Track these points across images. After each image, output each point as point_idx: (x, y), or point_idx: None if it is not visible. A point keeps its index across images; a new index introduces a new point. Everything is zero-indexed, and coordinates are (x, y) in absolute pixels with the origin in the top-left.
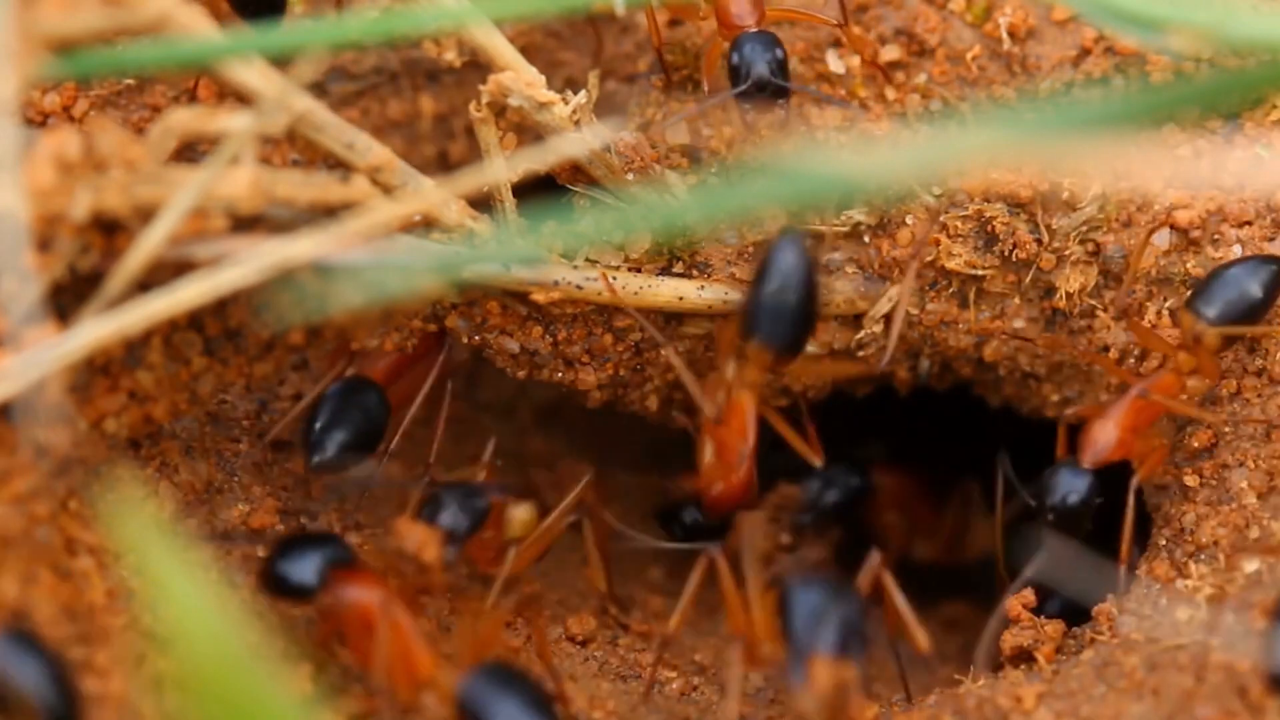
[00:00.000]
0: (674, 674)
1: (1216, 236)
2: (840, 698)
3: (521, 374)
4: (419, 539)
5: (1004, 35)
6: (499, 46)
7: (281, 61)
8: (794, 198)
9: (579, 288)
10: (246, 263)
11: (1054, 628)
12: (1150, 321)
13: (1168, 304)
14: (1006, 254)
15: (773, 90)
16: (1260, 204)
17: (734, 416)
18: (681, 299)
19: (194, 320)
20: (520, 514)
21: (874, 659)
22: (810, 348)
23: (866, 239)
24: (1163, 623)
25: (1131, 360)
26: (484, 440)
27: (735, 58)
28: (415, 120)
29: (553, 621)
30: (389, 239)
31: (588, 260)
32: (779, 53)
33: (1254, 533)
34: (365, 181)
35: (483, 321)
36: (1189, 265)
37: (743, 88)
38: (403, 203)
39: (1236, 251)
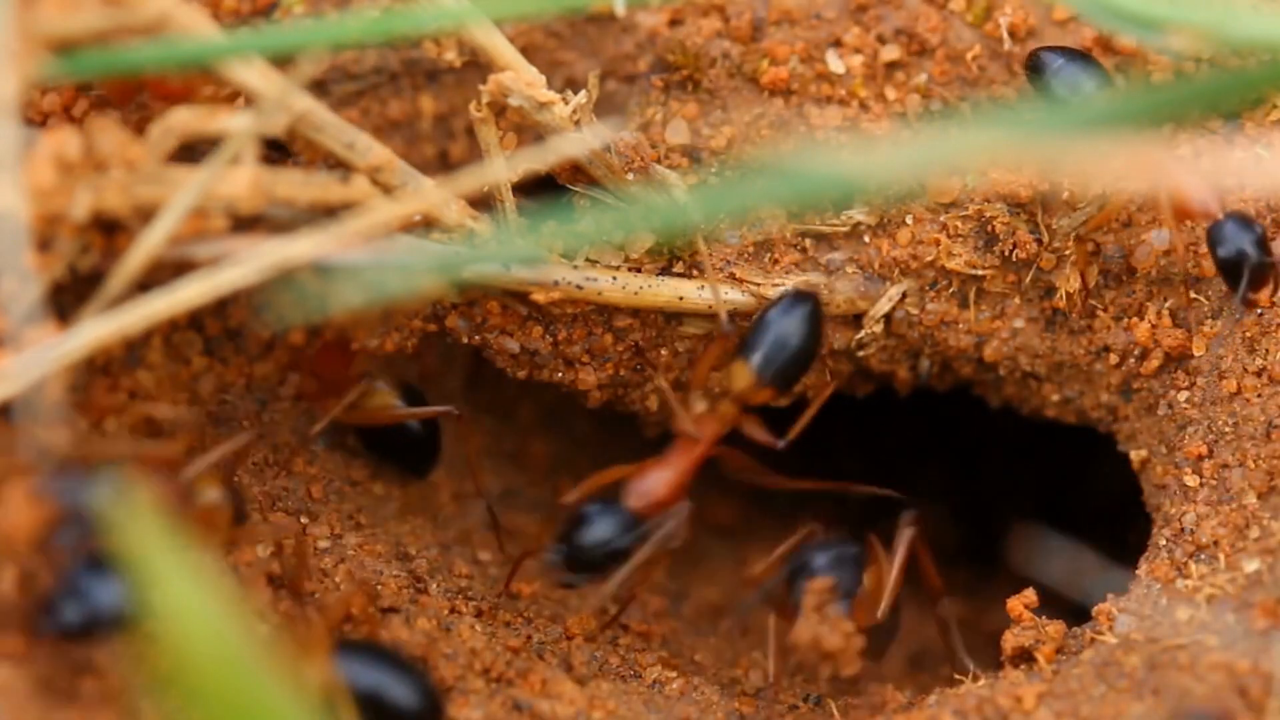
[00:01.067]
0: (674, 674)
1: None
2: None
3: (521, 374)
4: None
5: (1004, 35)
6: (499, 46)
7: (281, 61)
8: (794, 198)
9: (579, 288)
10: (246, 263)
11: (1054, 628)
12: (1150, 321)
13: (1168, 304)
14: (1006, 254)
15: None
16: (1260, 204)
17: (699, 426)
18: (681, 299)
19: (194, 320)
20: (208, 493)
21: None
22: None
23: (866, 239)
24: (1163, 623)
25: (1131, 360)
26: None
27: (1228, 250)
28: (415, 120)
29: (552, 621)
30: (389, 239)
31: (588, 260)
32: (1259, 230)
33: (1254, 533)
34: (365, 181)
35: (483, 321)
36: (1188, 265)
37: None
38: (403, 203)
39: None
